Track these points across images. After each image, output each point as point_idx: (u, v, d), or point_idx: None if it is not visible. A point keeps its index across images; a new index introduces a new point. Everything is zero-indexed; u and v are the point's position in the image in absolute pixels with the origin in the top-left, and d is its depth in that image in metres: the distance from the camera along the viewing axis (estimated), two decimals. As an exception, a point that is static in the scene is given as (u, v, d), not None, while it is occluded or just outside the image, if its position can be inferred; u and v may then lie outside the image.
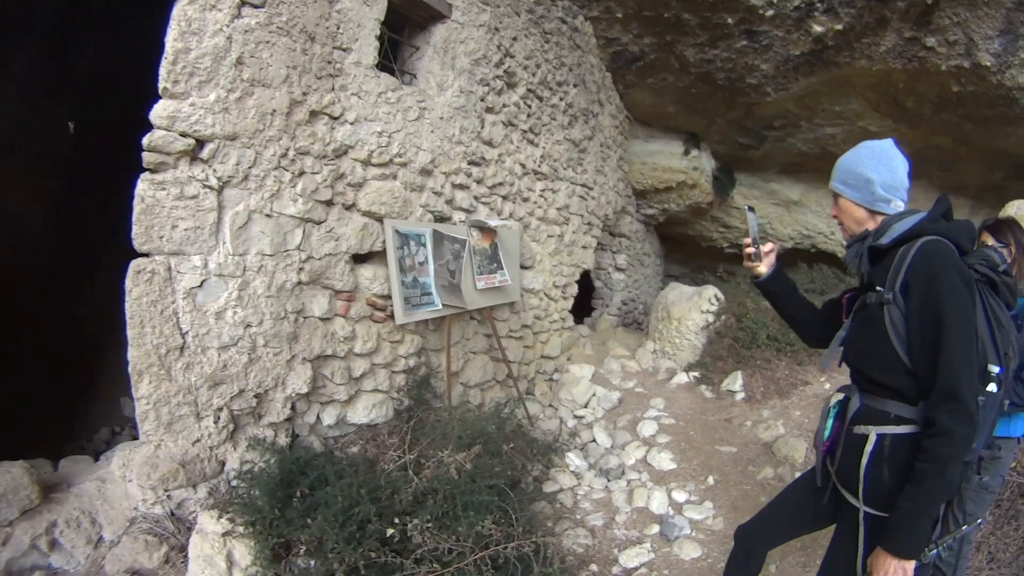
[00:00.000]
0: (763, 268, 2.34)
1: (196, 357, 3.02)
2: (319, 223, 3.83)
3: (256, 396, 3.33)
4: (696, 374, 6.82)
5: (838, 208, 2.10)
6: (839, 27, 5.73)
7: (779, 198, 10.70)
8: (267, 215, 3.39)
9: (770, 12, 5.76)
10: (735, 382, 6.28)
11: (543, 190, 6.22)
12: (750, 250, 2.31)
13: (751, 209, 2.34)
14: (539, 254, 6.28)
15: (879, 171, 1.94)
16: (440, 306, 4.57)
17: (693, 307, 7.27)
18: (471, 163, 5.12)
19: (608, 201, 7.91)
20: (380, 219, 4.27)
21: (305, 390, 3.58)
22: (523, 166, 5.82)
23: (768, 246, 2.37)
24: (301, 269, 3.62)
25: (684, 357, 7.20)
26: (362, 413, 4.12)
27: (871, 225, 2.00)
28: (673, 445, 5.45)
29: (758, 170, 10.23)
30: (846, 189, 2.03)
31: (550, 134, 6.25)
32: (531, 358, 6.43)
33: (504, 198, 5.62)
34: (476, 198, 5.25)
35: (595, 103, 7.21)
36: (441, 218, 4.89)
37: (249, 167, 3.25)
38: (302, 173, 3.67)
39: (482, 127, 5.20)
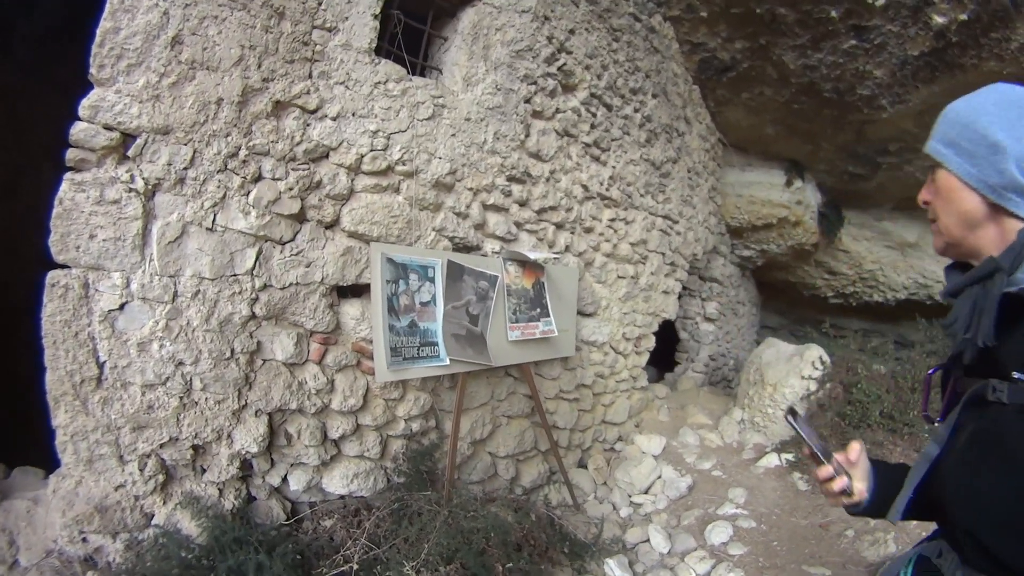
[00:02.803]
0: (860, 484, 1.29)
1: (115, 392, 2.38)
2: (282, 243, 2.77)
3: (193, 448, 2.59)
4: (790, 456, 5.04)
5: (933, 188, 1.15)
6: (963, 17, 4.48)
7: (892, 240, 8.78)
8: (207, 229, 2.53)
9: (880, 1, 4.47)
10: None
11: (612, 220, 4.64)
12: (826, 471, 1.29)
13: (793, 413, 1.33)
14: (605, 299, 4.67)
15: (1018, 133, 0.99)
16: (447, 361, 3.10)
17: (792, 371, 5.42)
18: (511, 179, 3.65)
19: (697, 238, 6.19)
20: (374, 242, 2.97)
21: (255, 449, 2.69)
22: (585, 188, 4.29)
23: (852, 449, 1.33)
24: (255, 300, 2.68)
25: (777, 432, 5.40)
26: (339, 483, 3.02)
27: (992, 236, 1.05)
28: (749, 561, 3.71)
29: (869, 206, 8.35)
30: (952, 155, 1.09)
31: (622, 151, 4.70)
32: (588, 424, 4.82)
33: (558, 227, 4.09)
34: (518, 224, 3.76)
35: (680, 120, 5.62)
36: (465, 247, 3.43)
37: (184, 168, 2.46)
38: (258, 178, 2.68)
39: (527, 135, 3.75)
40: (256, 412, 2.68)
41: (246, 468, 2.76)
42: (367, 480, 3.08)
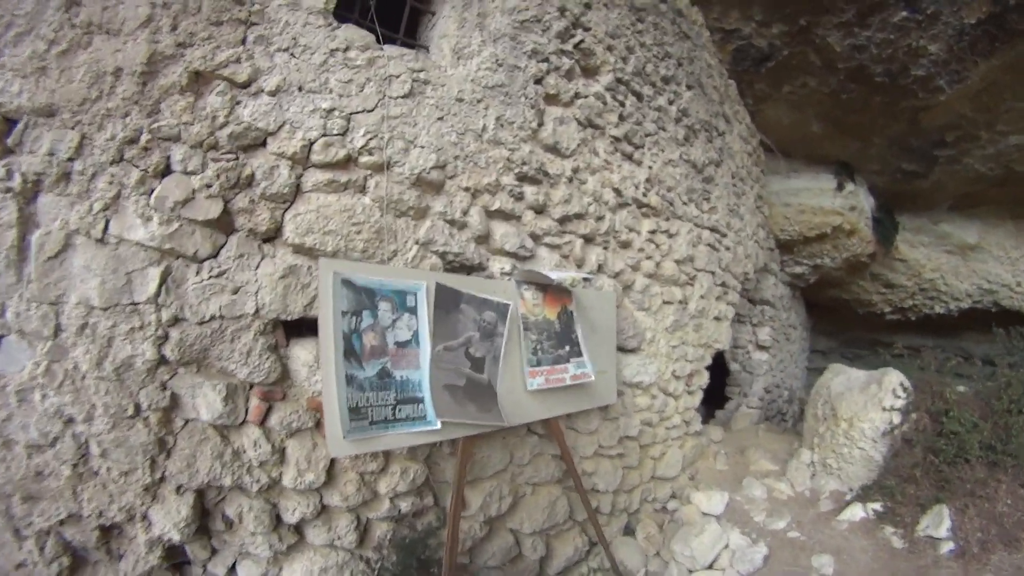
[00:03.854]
0: None
1: None
2: (198, 260, 1.99)
3: (100, 529, 1.92)
4: (877, 506, 3.94)
5: None
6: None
7: (952, 243, 7.77)
8: (97, 240, 1.86)
9: (931, -38, 3.80)
10: (939, 522, 3.59)
11: (653, 232, 3.66)
12: None
13: None
14: (650, 330, 3.65)
15: None
16: (437, 424, 2.14)
17: (870, 402, 4.31)
18: (522, 178, 2.72)
19: (747, 254, 5.15)
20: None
21: (178, 537, 1.97)
22: (617, 192, 3.34)
23: None
24: (164, 338, 1.93)
25: (855, 474, 4.29)
26: None
27: None
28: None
29: (924, 208, 7.40)
30: None
31: (658, 149, 3.76)
32: (635, 483, 3.77)
33: (588, 240, 3.13)
34: (534, 237, 2.82)
35: (719, 117, 4.68)
36: (464, 266, 2.50)
37: (69, 159, 1.84)
38: (165, 171, 1.95)
39: (540, 123, 2.84)
40: (178, 488, 1.98)
41: (177, 554, 2.09)
42: (342, 574, 2.24)
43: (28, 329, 1.79)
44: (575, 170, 3.03)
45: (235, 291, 1.99)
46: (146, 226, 1.84)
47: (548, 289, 2.63)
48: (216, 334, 1.97)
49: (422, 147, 2.36)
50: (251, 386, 2.05)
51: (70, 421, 1.85)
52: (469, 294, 2.26)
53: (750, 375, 6.49)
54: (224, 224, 1.97)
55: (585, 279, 2.89)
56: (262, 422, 2.07)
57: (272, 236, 2.06)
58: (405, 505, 2.35)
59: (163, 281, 1.88)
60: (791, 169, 6.32)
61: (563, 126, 2.97)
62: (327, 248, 2.11)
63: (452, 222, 2.45)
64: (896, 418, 4.21)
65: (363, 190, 2.21)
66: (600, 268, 3.19)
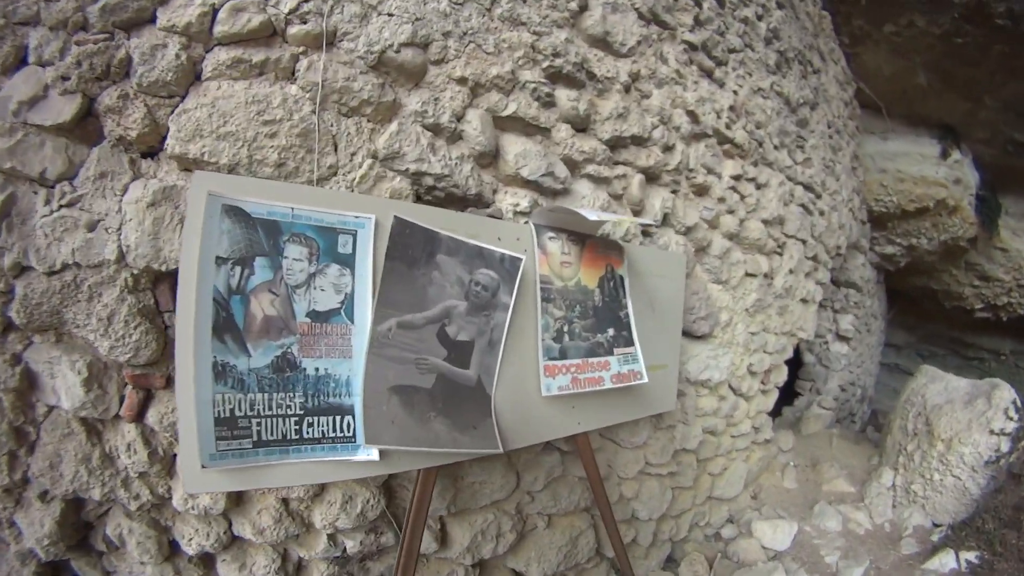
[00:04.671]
0: None
1: None
2: (48, 184, 1.25)
3: None
4: (972, 556, 2.83)
5: None
6: None
7: None
8: None
9: None
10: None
11: (737, 178, 2.60)
12: None
13: None
14: (727, 310, 2.59)
15: None
16: (373, 454, 1.18)
17: (976, 422, 3.19)
18: (555, 76, 1.71)
19: (841, 223, 3.96)
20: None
21: (44, 556, 1.39)
22: (692, 117, 2.29)
23: None
24: (7, 295, 1.25)
25: (944, 507, 3.20)
26: None
27: None
28: None
29: None
30: None
31: (745, 72, 2.67)
32: (685, 506, 2.75)
33: (650, 177, 2.11)
34: (570, 163, 1.82)
35: (813, 51, 3.50)
36: (450, 197, 1.48)
37: None
38: (20, 67, 1.24)
39: (583, 6, 1.83)
40: (42, 495, 1.36)
41: (66, 569, 1.49)
42: None
43: None
44: (634, 76, 1.97)
45: (91, 227, 1.25)
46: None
47: (587, 241, 1.61)
48: (68, 289, 1.25)
49: (390, 15, 1.38)
50: (120, 366, 1.29)
51: None
52: (453, 238, 1.28)
53: (826, 369, 5.27)
54: (87, 133, 1.26)
55: (645, 230, 1.85)
56: (137, 417, 1.33)
57: (155, 149, 1.25)
58: (352, 544, 1.54)
59: (3, 215, 1.21)
60: (888, 129, 5.01)
61: (617, 14, 1.92)
62: (220, 159, 1.25)
63: (436, 128, 1.47)
64: (1005, 445, 3.11)
65: (291, 76, 1.30)
66: (666, 219, 2.14)
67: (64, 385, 1.27)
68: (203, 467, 1.02)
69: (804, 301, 3.43)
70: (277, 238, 1.12)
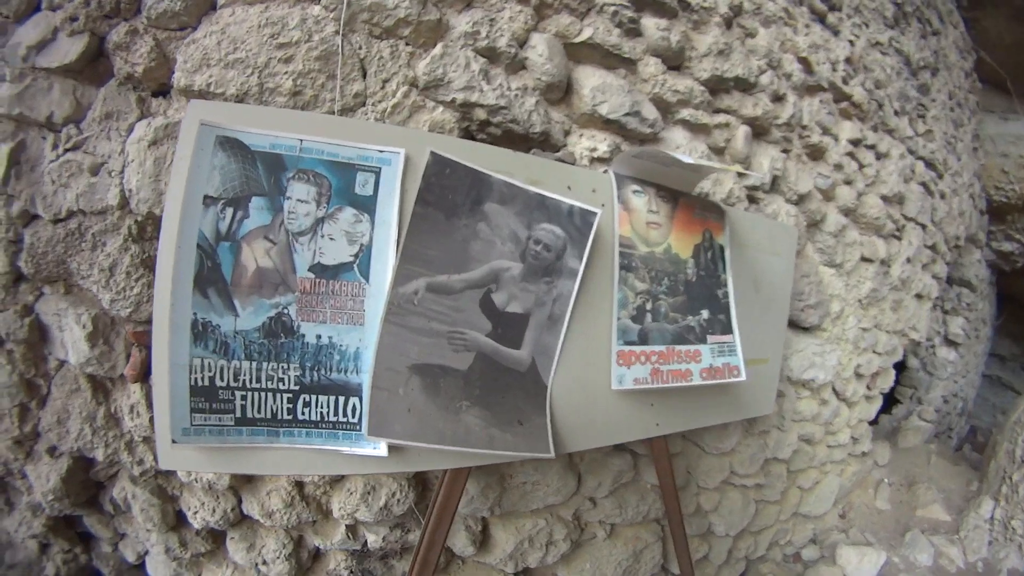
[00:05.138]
0: None
1: None
2: (55, 128, 1.12)
3: None
4: None
5: None
6: None
7: None
8: None
9: None
10: None
11: (855, 143, 2.09)
12: None
13: None
14: (839, 299, 2.11)
15: None
16: (381, 449, 0.88)
17: None
18: (639, 0, 1.26)
19: (961, 210, 3.28)
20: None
21: (49, 510, 1.31)
22: (805, 65, 1.83)
23: None
24: (16, 244, 1.13)
25: None
26: None
27: None
28: None
29: None
30: None
31: (861, 21, 2.17)
32: (767, 522, 2.29)
33: (758, 131, 1.70)
34: (661, 105, 1.43)
35: (932, 10, 2.87)
36: (508, 135, 1.13)
37: None
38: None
39: None
40: (51, 450, 1.26)
41: (78, 523, 1.42)
42: None
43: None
44: (735, 10, 1.55)
45: (94, 170, 1.10)
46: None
47: (680, 200, 1.23)
48: (72, 238, 1.12)
49: None
50: (125, 321, 1.14)
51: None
52: (508, 183, 0.96)
53: (930, 376, 4.52)
54: (97, 74, 1.13)
55: (751, 195, 1.44)
56: (142, 378, 1.16)
57: (166, 87, 1.12)
58: (373, 539, 1.33)
59: (11, 162, 1.11)
60: (1008, 109, 4.17)
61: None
62: (227, 90, 1.04)
63: (491, 53, 1.15)
64: None
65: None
66: (775, 183, 1.70)
67: (71, 339, 1.15)
68: (174, 442, 0.80)
69: (919, 296, 2.84)
70: (279, 175, 0.85)
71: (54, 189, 1.09)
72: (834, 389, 2.35)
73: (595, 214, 1.02)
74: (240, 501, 1.28)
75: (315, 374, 0.85)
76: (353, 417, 0.85)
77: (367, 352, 0.86)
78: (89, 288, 1.12)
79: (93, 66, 1.11)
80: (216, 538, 1.36)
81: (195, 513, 1.26)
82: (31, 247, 1.11)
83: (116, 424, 1.22)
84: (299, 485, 1.24)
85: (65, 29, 1.08)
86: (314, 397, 0.85)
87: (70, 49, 1.07)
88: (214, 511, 1.25)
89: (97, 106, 1.10)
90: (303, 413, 0.85)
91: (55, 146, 1.10)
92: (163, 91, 1.12)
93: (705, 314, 1.24)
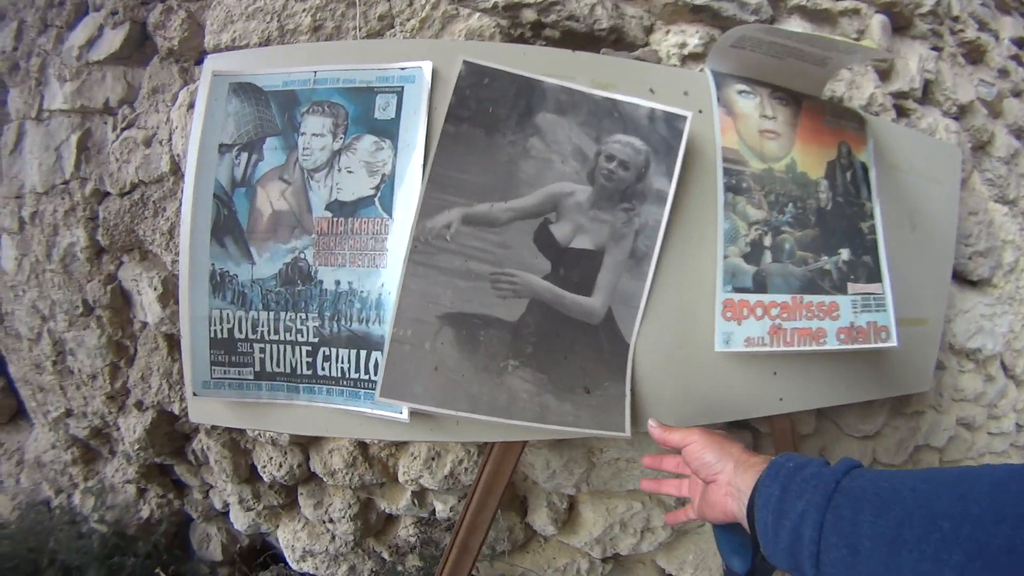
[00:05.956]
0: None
1: (12, 342, 1.64)
2: (112, 111, 1.26)
3: (91, 429, 1.52)
4: None
5: None
6: None
7: None
8: (35, 120, 1.37)
9: None
10: None
11: (1020, 43, 1.58)
12: None
13: None
14: (1013, 245, 1.63)
15: None
16: (402, 414, 0.72)
17: None
18: None
19: None
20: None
21: (135, 461, 1.47)
22: None
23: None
24: (92, 220, 1.32)
25: None
26: (291, 546, 1.45)
27: None
28: None
29: None
30: None
31: None
32: None
33: (897, 22, 1.33)
34: None
35: None
36: (568, 35, 0.90)
37: (13, 48, 1.40)
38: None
39: None
40: (138, 403, 1.39)
41: (167, 472, 1.59)
42: (333, 566, 1.43)
43: (5, 225, 1.50)
44: None
45: (147, 142, 1.19)
46: (62, 87, 1.26)
47: (804, 103, 0.92)
48: (136, 207, 1.23)
49: None
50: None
51: (44, 318, 1.50)
52: (567, 89, 0.73)
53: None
54: (145, 56, 1.23)
55: (899, 105, 1.09)
56: None
57: (203, 55, 1.08)
58: (441, 508, 1.31)
59: (81, 148, 1.28)
60: None
61: None
62: (251, 40, 1.02)
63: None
64: None
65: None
66: (928, 91, 1.32)
67: (147, 301, 1.26)
68: (195, 394, 0.79)
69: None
70: (293, 111, 0.76)
71: (118, 166, 1.20)
72: (1002, 363, 1.86)
73: (685, 118, 0.76)
74: (307, 458, 1.30)
75: (335, 324, 0.72)
76: (376, 375, 0.70)
77: (390, 298, 0.69)
78: (156, 252, 1.23)
79: (140, 50, 1.20)
80: (289, 492, 1.42)
81: (263, 467, 1.31)
82: (104, 221, 1.24)
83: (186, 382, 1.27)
84: (362, 445, 1.23)
85: (108, 23, 1.19)
86: (334, 351, 0.73)
87: (115, 39, 1.18)
88: (280, 466, 1.28)
89: (145, 84, 1.19)
90: (323, 368, 0.74)
91: (115, 128, 1.23)
92: (201, 59, 1.09)
93: (845, 254, 0.93)
